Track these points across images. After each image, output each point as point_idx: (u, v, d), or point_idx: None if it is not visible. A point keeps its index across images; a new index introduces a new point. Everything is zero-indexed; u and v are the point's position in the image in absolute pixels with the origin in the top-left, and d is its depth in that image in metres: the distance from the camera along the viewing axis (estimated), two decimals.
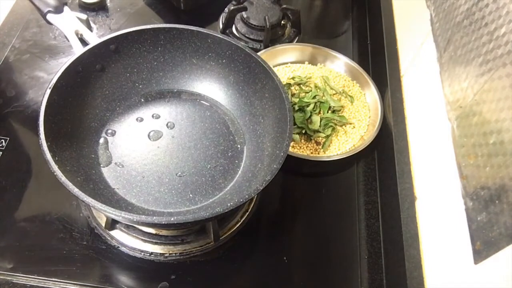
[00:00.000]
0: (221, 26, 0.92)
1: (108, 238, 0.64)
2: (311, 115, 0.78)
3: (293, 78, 0.84)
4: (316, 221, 0.70)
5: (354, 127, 0.79)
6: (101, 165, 0.64)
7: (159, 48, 0.70)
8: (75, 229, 0.64)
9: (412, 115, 0.70)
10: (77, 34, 0.69)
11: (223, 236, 0.65)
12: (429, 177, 0.61)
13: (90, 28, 0.71)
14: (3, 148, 0.71)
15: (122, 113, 0.70)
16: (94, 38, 0.67)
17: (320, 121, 0.77)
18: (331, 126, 0.77)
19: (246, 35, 0.89)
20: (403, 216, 0.63)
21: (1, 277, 0.59)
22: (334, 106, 0.80)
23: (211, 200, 0.63)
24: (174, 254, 0.63)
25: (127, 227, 0.64)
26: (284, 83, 0.83)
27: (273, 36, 0.89)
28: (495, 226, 0.44)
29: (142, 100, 0.72)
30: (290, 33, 0.93)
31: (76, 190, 0.50)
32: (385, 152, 0.74)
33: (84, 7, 0.92)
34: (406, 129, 0.69)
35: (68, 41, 0.68)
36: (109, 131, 0.68)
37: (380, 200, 0.73)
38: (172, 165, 0.66)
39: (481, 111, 0.50)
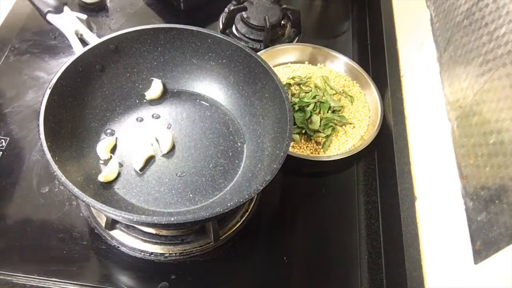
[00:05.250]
0: (221, 26, 0.92)
1: (108, 238, 0.64)
2: (311, 115, 0.78)
3: (293, 78, 0.84)
4: (316, 221, 0.70)
5: (354, 127, 0.79)
6: (101, 165, 0.64)
7: (159, 48, 0.70)
8: (75, 229, 0.64)
9: (412, 115, 0.70)
10: (77, 34, 0.69)
11: (223, 236, 0.65)
12: (429, 177, 0.61)
13: (90, 28, 0.71)
14: (3, 148, 0.71)
15: (122, 113, 0.70)
16: (94, 38, 0.67)
17: (320, 121, 0.77)
18: (331, 126, 0.77)
19: (246, 35, 0.90)
20: (403, 216, 0.63)
21: (1, 277, 0.59)
22: (334, 106, 0.80)
23: (211, 200, 0.63)
24: (174, 254, 0.63)
25: (127, 227, 0.64)
26: (284, 83, 0.83)
27: (273, 36, 0.89)
28: (495, 226, 0.44)
29: (142, 100, 0.72)
30: (290, 33, 0.93)
31: (76, 190, 0.50)
32: (385, 152, 0.74)
33: (84, 7, 0.92)
34: (406, 129, 0.69)
35: (68, 41, 0.68)
36: (109, 131, 0.68)
37: (380, 200, 0.73)
38: (172, 165, 0.66)
39: (481, 111, 0.50)
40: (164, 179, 0.64)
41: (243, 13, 0.89)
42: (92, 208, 0.65)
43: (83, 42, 0.68)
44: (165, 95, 0.73)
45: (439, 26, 0.64)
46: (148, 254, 0.63)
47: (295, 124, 0.76)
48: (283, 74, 0.85)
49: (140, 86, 0.72)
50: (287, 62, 0.88)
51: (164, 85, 0.73)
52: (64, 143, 0.60)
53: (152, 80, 0.72)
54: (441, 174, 0.57)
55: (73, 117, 0.63)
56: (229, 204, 0.52)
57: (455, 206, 0.52)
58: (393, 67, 0.78)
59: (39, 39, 0.86)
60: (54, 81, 0.59)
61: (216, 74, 0.73)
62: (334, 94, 0.83)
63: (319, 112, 0.79)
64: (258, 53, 0.75)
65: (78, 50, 0.65)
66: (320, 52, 0.88)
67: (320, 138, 0.77)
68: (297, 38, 0.94)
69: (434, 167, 0.60)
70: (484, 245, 0.45)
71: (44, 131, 0.55)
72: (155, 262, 0.63)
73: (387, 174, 0.72)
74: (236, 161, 0.68)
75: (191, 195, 0.63)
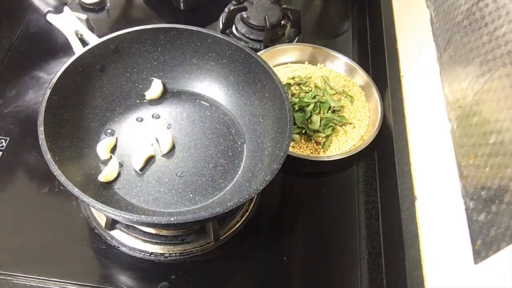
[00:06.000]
0: (221, 26, 0.92)
1: (108, 238, 0.64)
2: (311, 115, 0.78)
3: (293, 78, 0.84)
4: (316, 221, 0.70)
5: (354, 127, 0.79)
6: (101, 165, 0.64)
7: (159, 48, 0.70)
8: (75, 229, 0.64)
9: (412, 115, 0.70)
10: (77, 34, 0.69)
11: (223, 236, 0.65)
12: (429, 177, 0.61)
13: (90, 28, 0.71)
14: (3, 148, 0.71)
15: (122, 113, 0.70)
16: (94, 38, 0.67)
17: (320, 121, 0.77)
18: (331, 126, 0.77)
19: (246, 35, 0.89)
20: (403, 216, 0.63)
21: (1, 277, 0.59)
22: (334, 106, 0.80)
23: (211, 200, 0.63)
24: (174, 254, 0.63)
25: (127, 227, 0.64)
26: (284, 83, 0.83)
27: (273, 36, 0.89)
28: (495, 226, 0.44)
29: (142, 100, 0.72)
30: (290, 33, 0.93)
31: (76, 190, 0.50)
32: (385, 152, 0.74)
33: (84, 7, 0.92)
34: (406, 129, 0.69)
35: (68, 41, 0.68)
36: (109, 131, 0.68)
37: (380, 200, 0.73)
38: (172, 165, 0.66)
39: (481, 111, 0.50)
40: (164, 179, 0.64)
41: (243, 13, 0.89)
42: (92, 208, 0.65)
43: (83, 42, 0.68)
44: (165, 95, 0.73)
45: (439, 26, 0.64)
46: (148, 254, 0.63)
47: (295, 124, 0.76)
48: (283, 74, 0.85)
49: (140, 86, 0.72)
50: (287, 62, 0.88)
51: (164, 85, 0.73)
52: (64, 143, 0.60)
53: (152, 80, 0.72)
54: (441, 174, 0.57)
55: (73, 117, 0.63)
56: (229, 204, 0.52)
57: (455, 206, 0.52)
58: (393, 67, 0.78)
59: (39, 39, 0.86)
60: (54, 81, 0.59)
61: (216, 74, 0.73)
62: (334, 94, 0.83)
63: (319, 112, 0.79)
64: (258, 53, 0.75)
65: (78, 50, 0.65)
66: (320, 52, 0.88)
67: (320, 138, 0.77)
68: (297, 38, 0.94)
69: (434, 167, 0.60)
70: (484, 245, 0.45)
71: (44, 131, 0.55)
72: (155, 262, 0.63)
73: (387, 174, 0.72)
74: (236, 161, 0.68)
75: (191, 195, 0.63)
